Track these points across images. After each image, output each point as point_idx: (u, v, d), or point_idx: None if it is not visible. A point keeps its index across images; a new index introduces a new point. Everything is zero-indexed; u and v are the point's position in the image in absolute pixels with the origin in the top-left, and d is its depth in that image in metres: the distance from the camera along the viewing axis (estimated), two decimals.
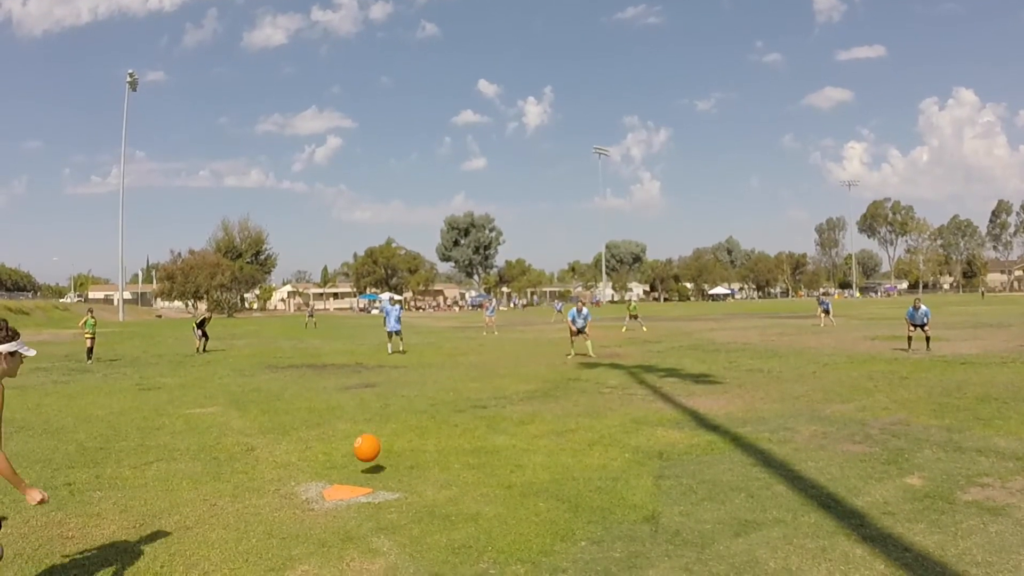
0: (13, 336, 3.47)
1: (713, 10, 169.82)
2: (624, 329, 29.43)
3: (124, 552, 4.44)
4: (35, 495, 3.38)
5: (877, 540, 4.40)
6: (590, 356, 17.16)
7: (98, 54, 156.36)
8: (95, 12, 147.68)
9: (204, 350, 21.92)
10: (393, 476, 6.22)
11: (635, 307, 31.95)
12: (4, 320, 3.54)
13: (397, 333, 20.12)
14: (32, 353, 3.60)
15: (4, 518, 4.30)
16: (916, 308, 16.66)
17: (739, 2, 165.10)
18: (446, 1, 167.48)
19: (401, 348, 20.03)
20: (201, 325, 22.68)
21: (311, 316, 43.96)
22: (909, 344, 16.65)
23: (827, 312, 29.03)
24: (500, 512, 5.12)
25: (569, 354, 17.64)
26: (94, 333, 19.55)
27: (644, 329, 28.87)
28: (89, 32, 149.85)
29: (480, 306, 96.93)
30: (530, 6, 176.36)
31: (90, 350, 19.36)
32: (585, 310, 17.98)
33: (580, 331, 17.70)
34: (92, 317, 19.80)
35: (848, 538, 4.45)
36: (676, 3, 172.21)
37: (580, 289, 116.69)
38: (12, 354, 3.46)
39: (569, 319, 18.03)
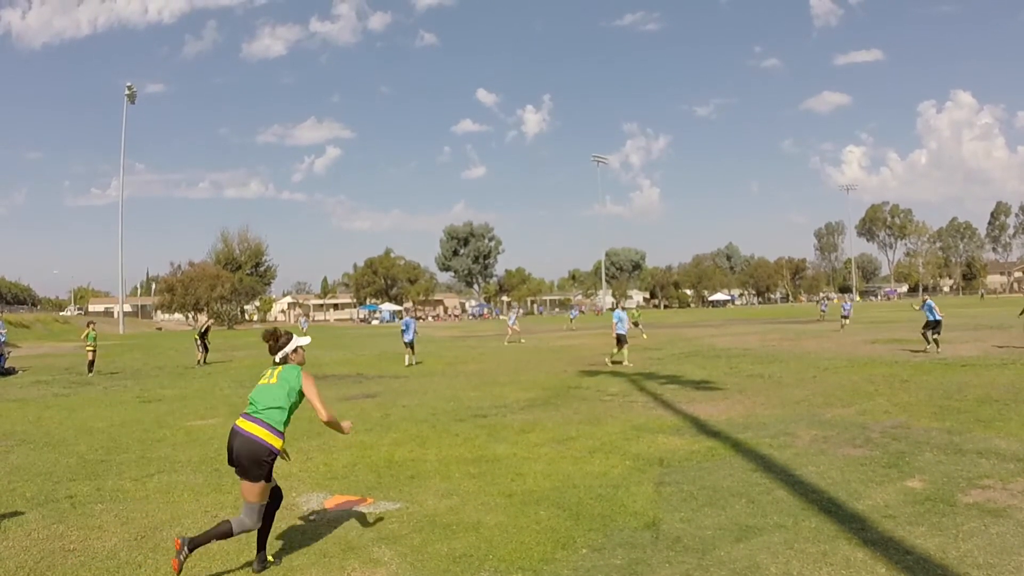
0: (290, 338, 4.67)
1: (711, 16, 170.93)
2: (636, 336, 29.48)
3: (126, 564, 4.44)
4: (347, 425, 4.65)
5: (878, 543, 4.40)
6: (626, 365, 16.73)
7: (98, 65, 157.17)
8: (95, 24, 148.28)
9: (205, 362, 21.90)
10: (394, 486, 6.22)
11: (637, 314, 32.06)
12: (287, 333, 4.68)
13: (411, 344, 19.43)
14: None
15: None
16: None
17: (737, 8, 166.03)
18: (444, 10, 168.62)
19: (415, 360, 19.43)
20: (203, 336, 22.66)
21: (304, 329, 44.79)
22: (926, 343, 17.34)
23: (846, 316, 31.04)
24: (501, 521, 5.12)
25: (608, 356, 17.36)
26: (95, 346, 19.56)
27: (644, 336, 28.88)
28: (89, 44, 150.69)
29: (481, 316, 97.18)
30: (528, 15, 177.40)
31: (91, 363, 19.37)
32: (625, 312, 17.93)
33: (622, 338, 17.32)
34: (93, 330, 19.82)
35: (849, 542, 4.45)
36: (674, 10, 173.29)
37: (580, 297, 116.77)
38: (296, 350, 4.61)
39: (616, 320, 17.55)
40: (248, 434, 4.20)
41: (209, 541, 4.18)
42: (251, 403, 4.34)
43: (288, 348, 4.54)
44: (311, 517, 5.38)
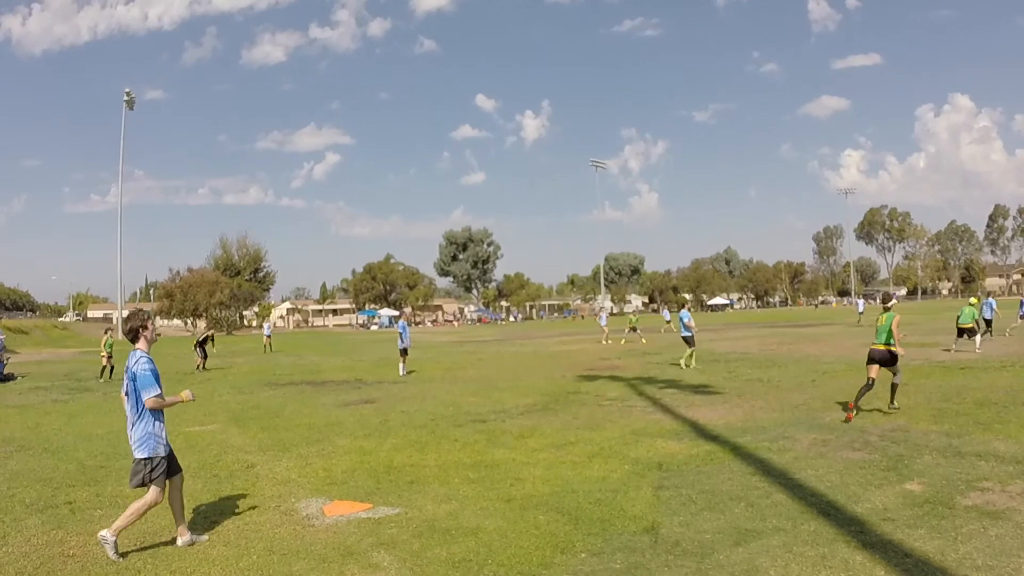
0: None
1: (710, 21, 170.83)
2: (623, 341, 29.47)
3: (125, 570, 4.44)
4: None
5: (877, 546, 4.40)
6: (691, 367, 16.34)
7: (98, 72, 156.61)
8: (95, 31, 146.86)
9: (204, 368, 21.86)
10: (393, 491, 6.22)
11: (635, 319, 32.10)
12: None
13: (405, 352, 18.27)
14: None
15: None
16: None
17: (736, 13, 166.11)
18: (444, 17, 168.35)
19: (405, 369, 18.14)
20: (203, 344, 22.54)
21: (269, 336, 35.24)
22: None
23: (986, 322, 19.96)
24: (500, 525, 5.12)
25: (689, 366, 16.59)
26: (110, 352, 19.44)
27: (643, 341, 28.89)
28: (89, 50, 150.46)
29: (481, 320, 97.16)
30: (528, 20, 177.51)
31: (103, 368, 19.23)
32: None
33: (689, 340, 16.84)
34: (111, 337, 19.79)
35: (848, 545, 4.45)
36: (673, 15, 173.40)
37: (579, 302, 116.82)
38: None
39: (687, 320, 16.97)
40: (886, 351, 9.11)
41: (859, 399, 9.08)
42: (878, 334, 9.27)
43: (890, 303, 9.30)
44: (310, 522, 5.38)
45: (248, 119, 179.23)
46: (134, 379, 4.87)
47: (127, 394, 4.93)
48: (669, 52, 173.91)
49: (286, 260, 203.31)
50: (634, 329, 30.74)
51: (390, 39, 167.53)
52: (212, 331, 26.54)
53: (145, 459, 4.88)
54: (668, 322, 42.25)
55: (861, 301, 44.43)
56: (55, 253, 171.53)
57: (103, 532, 4.73)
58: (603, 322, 32.12)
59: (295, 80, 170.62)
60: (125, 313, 76.45)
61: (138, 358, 4.93)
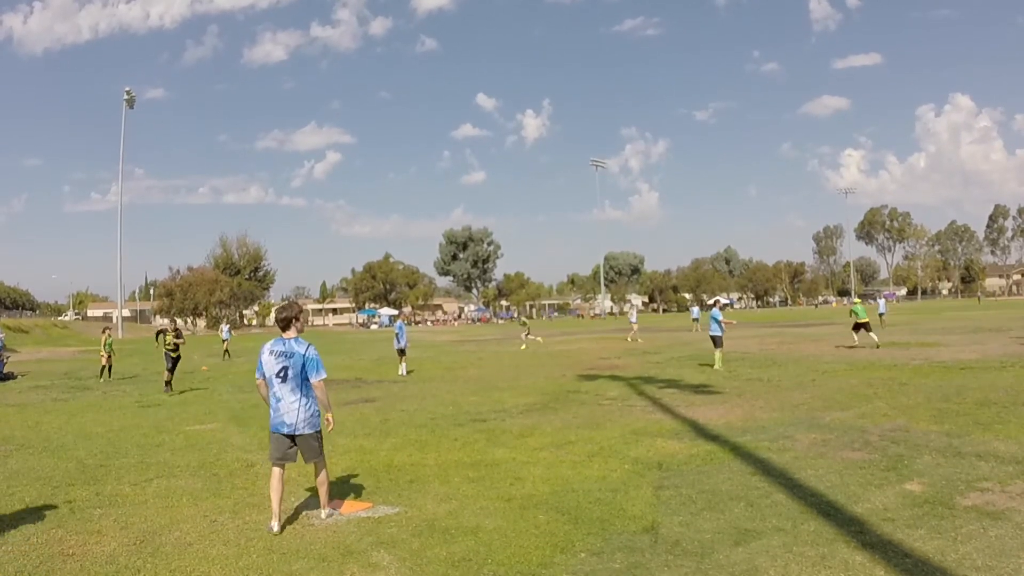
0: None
1: (710, 20, 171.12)
2: (532, 344, 29.40)
3: (125, 569, 4.44)
4: None
5: (877, 547, 4.40)
6: (715, 368, 15.87)
7: (99, 71, 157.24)
8: (96, 30, 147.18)
9: (168, 385, 15.90)
10: (393, 490, 6.22)
11: (525, 321, 33.21)
12: None
13: (402, 351, 18.19)
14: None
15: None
16: None
17: (736, 13, 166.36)
18: (445, 16, 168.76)
19: (405, 369, 18.10)
20: (173, 354, 16.25)
21: (226, 340, 29.31)
22: None
23: None
24: (500, 525, 5.12)
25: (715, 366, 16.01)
26: (109, 352, 19.44)
27: (639, 341, 28.89)
28: (89, 49, 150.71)
29: (480, 320, 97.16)
30: (528, 20, 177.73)
31: (103, 367, 19.23)
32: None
33: (717, 340, 16.32)
34: (109, 336, 19.78)
35: (848, 545, 4.45)
36: (674, 14, 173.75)
37: (579, 301, 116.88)
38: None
39: (721, 319, 16.37)
40: None
41: None
42: None
43: None
44: (310, 522, 5.37)
45: (248, 118, 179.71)
46: (304, 362, 5.27)
47: (284, 377, 5.25)
48: (669, 51, 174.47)
49: (286, 259, 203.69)
50: (524, 324, 31.96)
51: (391, 38, 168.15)
52: (168, 329, 17.37)
53: (316, 433, 5.38)
54: (696, 320, 41.42)
55: (883, 301, 38.13)
56: (55, 252, 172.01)
57: (322, 513, 5.39)
58: (633, 319, 33.13)
59: (296, 79, 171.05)
60: (126, 312, 76.51)
61: (307, 345, 5.35)
